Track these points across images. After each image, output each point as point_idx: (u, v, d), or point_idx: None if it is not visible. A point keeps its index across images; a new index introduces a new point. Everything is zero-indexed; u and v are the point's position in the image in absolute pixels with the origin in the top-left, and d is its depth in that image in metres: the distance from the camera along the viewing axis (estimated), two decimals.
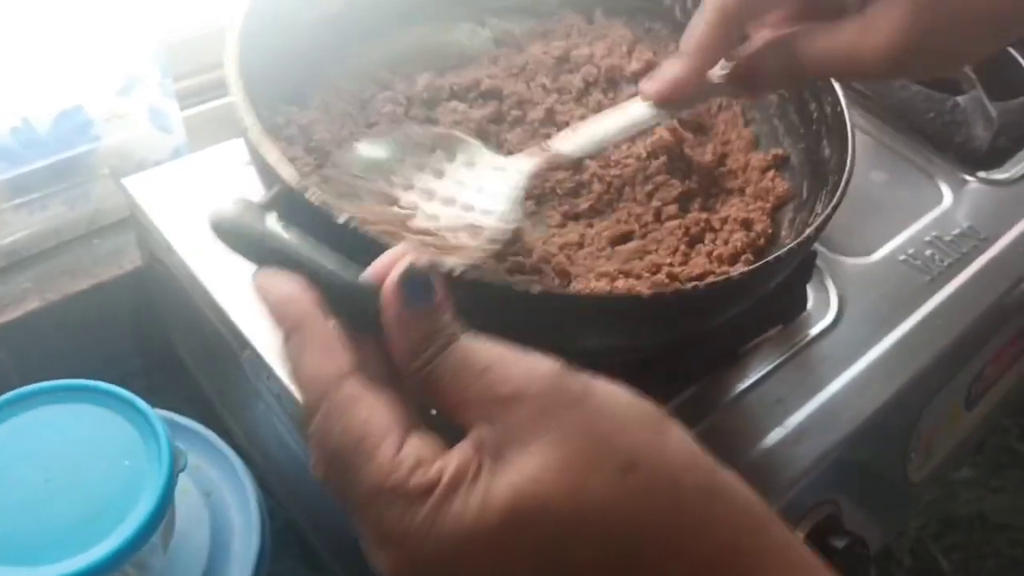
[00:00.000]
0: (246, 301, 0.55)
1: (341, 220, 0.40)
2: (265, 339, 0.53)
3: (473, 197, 0.49)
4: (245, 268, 0.55)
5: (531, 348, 0.46)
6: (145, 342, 0.70)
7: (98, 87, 0.63)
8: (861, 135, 0.75)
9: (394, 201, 0.48)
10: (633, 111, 0.51)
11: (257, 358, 0.53)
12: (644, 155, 0.57)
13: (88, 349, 0.67)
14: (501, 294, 0.40)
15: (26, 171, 0.63)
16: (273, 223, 0.36)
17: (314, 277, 0.34)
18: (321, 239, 0.36)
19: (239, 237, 0.36)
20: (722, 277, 0.43)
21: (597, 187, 0.57)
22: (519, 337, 0.38)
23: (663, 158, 0.57)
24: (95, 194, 0.67)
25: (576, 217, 0.56)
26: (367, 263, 0.35)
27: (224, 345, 0.56)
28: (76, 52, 0.62)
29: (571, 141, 0.51)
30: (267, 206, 0.37)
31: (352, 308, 0.34)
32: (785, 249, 0.45)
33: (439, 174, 0.50)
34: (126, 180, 0.61)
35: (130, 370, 0.70)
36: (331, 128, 0.56)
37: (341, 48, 0.60)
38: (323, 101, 0.58)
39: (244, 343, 0.54)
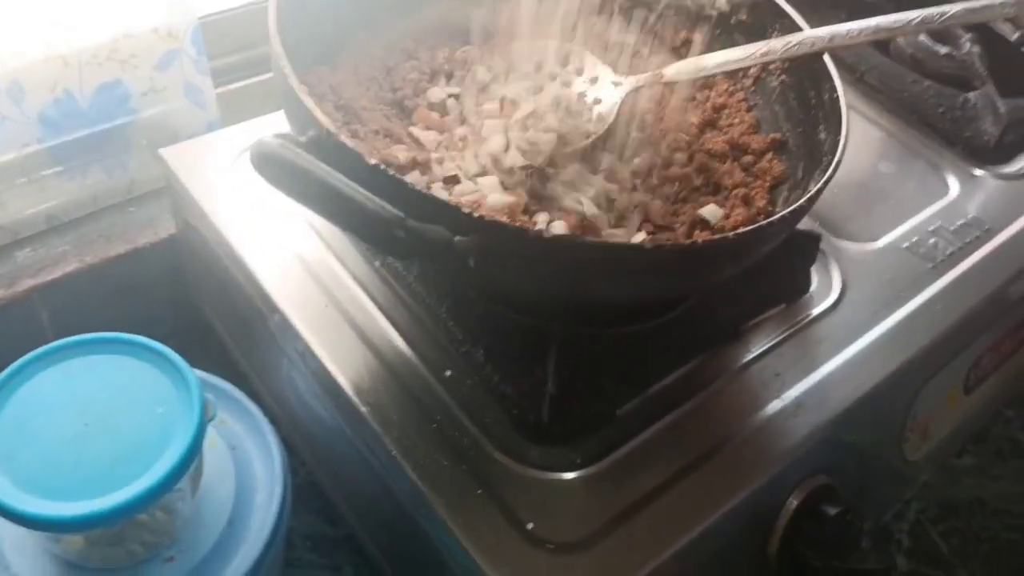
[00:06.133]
0: (276, 267, 0.58)
1: (372, 162, 0.43)
2: (293, 304, 0.56)
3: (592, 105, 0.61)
4: (275, 235, 0.59)
5: (545, 298, 0.49)
6: (177, 306, 0.73)
7: (138, 62, 0.67)
8: (871, 127, 0.78)
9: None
10: (729, 52, 0.60)
11: (285, 322, 0.56)
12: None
13: (122, 311, 0.70)
14: (516, 238, 0.43)
15: (67, 140, 0.67)
16: (314, 158, 0.40)
17: (350, 207, 0.39)
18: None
19: (281, 169, 0.40)
20: (718, 236, 0.46)
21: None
22: (534, 283, 0.41)
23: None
24: (132, 164, 0.71)
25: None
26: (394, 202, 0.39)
27: (253, 309, 0.59)
28: (118, 27, 0.65)
29: (675, 69, 0.60)
30: (305, 146, 0.41)
31: (383, 237, 0.39)
32: (778, 216, 0.47)
33: (567, 84, 0.62)
34: (163, 151, 0.64)
35: (162, 332, 0.72)
36: (358, 89, 0.59)
37: (371, 17, 0.63)
38: (353, 64, 0.61)
39: (273, 307, 0.57)
